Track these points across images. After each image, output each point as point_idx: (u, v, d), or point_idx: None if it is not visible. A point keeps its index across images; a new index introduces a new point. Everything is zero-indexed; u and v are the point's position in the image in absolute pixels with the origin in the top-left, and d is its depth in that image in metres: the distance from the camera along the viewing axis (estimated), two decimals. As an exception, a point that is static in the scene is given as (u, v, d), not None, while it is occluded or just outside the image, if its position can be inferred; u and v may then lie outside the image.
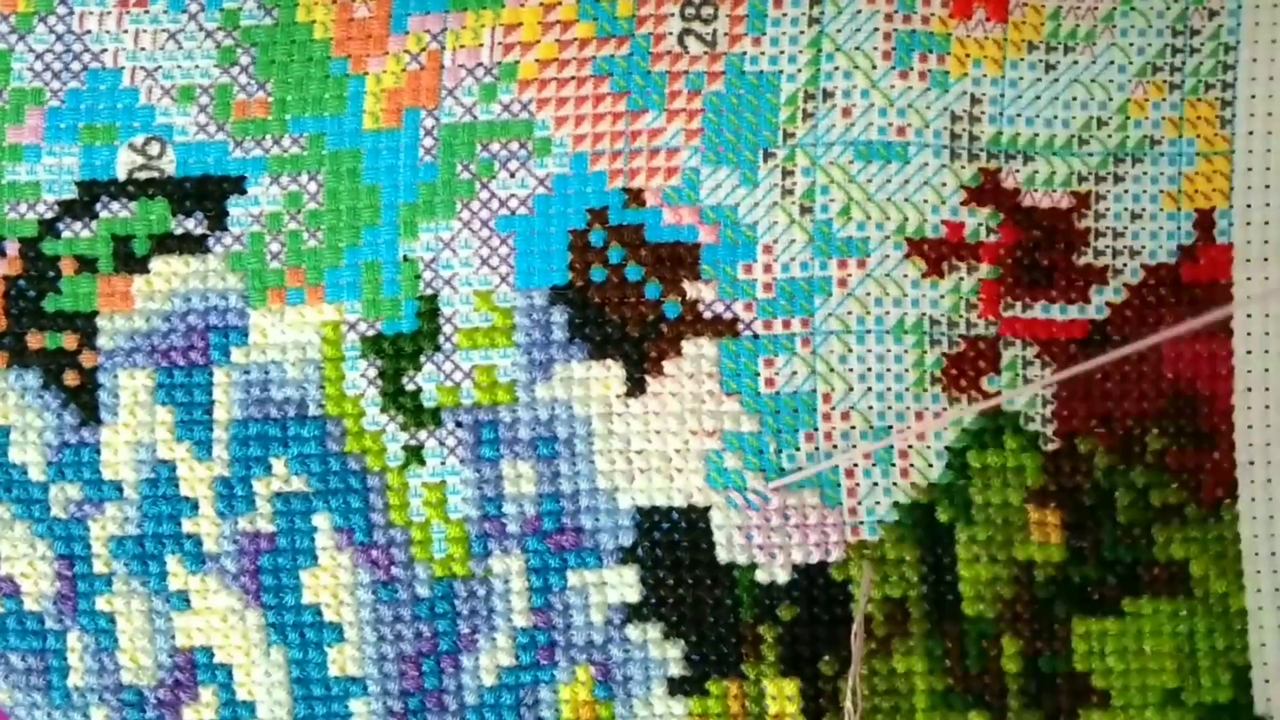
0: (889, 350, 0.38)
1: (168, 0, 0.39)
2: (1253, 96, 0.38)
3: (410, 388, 0.39)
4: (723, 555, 0.39)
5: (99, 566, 0.39)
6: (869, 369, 0.38)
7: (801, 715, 0.39)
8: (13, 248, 0.39)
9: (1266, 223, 0.38)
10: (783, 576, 0.39)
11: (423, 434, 0.39)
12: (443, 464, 0.39)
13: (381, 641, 0.39)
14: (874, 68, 0.38)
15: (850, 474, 0.38)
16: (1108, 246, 0.38)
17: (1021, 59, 0.38)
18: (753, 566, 0.39)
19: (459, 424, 0.39)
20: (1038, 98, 0.38)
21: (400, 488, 0.39)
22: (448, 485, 0.39)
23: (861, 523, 0.39)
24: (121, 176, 0.39)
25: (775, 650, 0.39)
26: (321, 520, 0.39)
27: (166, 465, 0.39)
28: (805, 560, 0.39)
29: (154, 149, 0.39)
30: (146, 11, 0.39)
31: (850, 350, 0.38)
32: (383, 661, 0.39)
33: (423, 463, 0.39)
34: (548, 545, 0.39)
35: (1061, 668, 0.38)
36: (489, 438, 0.39)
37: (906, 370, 0.38)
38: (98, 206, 0.39)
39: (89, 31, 0.39)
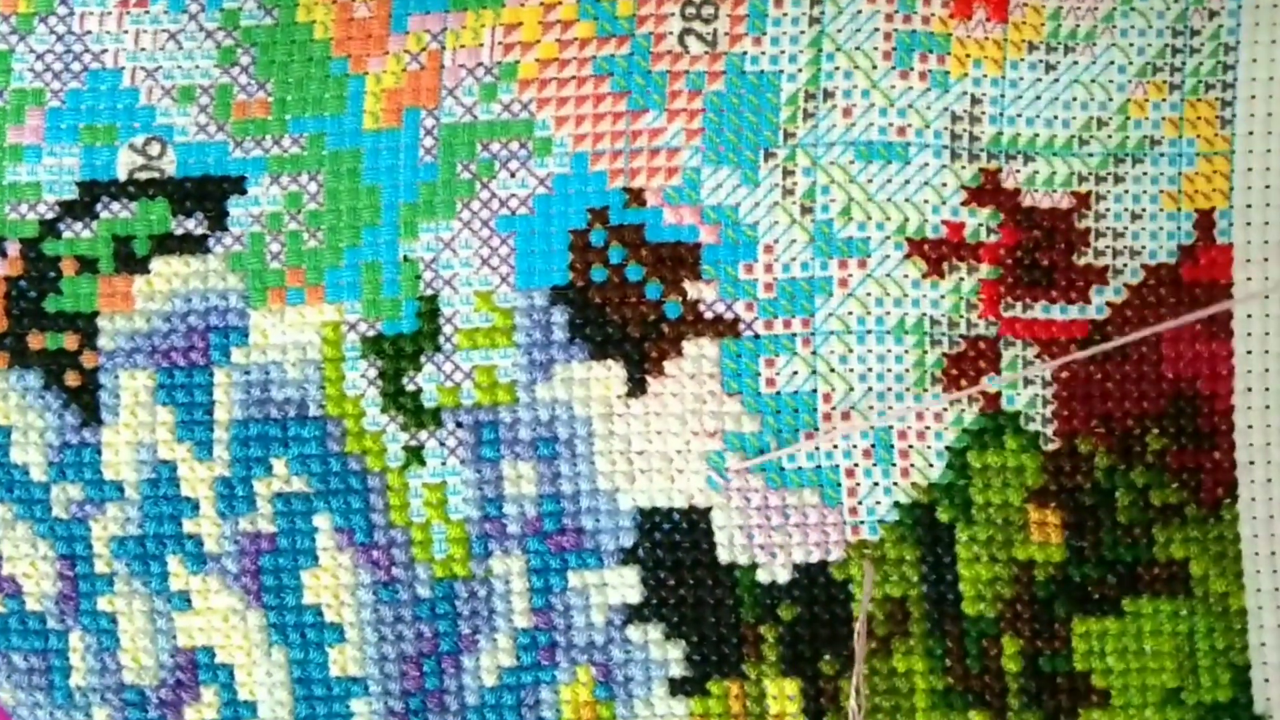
0: (889, 350, 0.38)
1: (168, 1, 0.39)
2: (1253, 97, 0.38)
3: (410, 388, 0.39)
4: (724, 555, 0.39)
5: (100, 567, 0.39)
6: (869, 369, 0.38)
7: (802, 715, 0.39)
8: (14, 248, 0.39)
9: (1266, 223, 0.38)
10: (783, 576, 0.39)
11: (423, 434, 0.39)
12: (443, 464, 0.39)
13: (382, 642, 0.39)
14: (874, 68, 0.38)
15: (851, 474, 0.38)
16: (1108, 247, 0.38)
17: (1022, 59, 0.38)
18: (754, 566, 0.39)
19: (459, 424, 0.39)
20: (1038, 98, 0.38)
21: (401, 488, 0.39)
22: (448, 486, 0.39)
23: (862, 522, 0.39)
24: (122, 177, 0.39)
25: (776, 650, 0.39)
26: (322, 521, 0.39)
27: (167, 465, 0.39)
28: (806, 560, 0.39)
29: (154, 149, 0.39)
30: (147, 12, 0.39)
31: (851, 350, 0.38)
32: (384, 662, 0.39)
33: (423, 463, 0.39)
34: (548, 546, 0.39)
35: (1062, 667, 0.38)
36: (489, 438, 0.39)
37: (907, 370, 0.38)
38: (98, 207, 0.39)
39: (89, 32, 0.39)
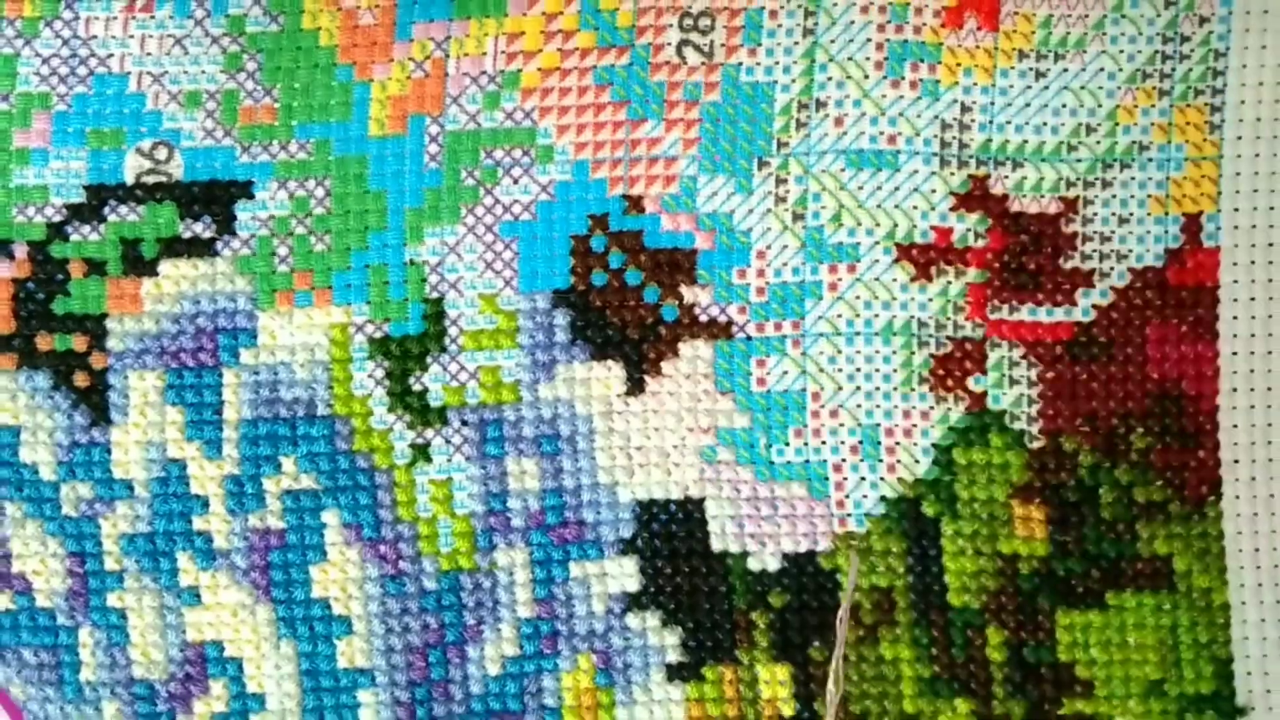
0: (877, 351, 0.39)
1: (174, 6, 0.39)
2: (1242, 102, 0.39)
3: (417, 388, 0.39)
4: (716, 544, 0.40)
5: (110, 564, 0.39)
6: (858, 369, 0.39)
7: (793, 699, 0.40)
8: (21, 251, 0.39)
9: (1254, 226, 0.39)
10: (773, 564, 0.40)
11: (429, 432, 0.39)
12: (449, 461, 0.39)
13: (389, 633, 0.40)
14: (866, 77, 0.39)
15: (838, 468, 0.39)
16: (1095, 250, 0.39)
17: (1012, 67, 0.39)
18: (744, 555, 0.40)
19: (464, 422, 0.39)
20: (1027, 105, 0.39)
21: (407, 484, 0.39)
22: (454, 482, 0.39)
23: (849, 515, 0.40)
24: (129, 180, 0.39)
25: (767, 636, 0.40)
26: (330, 517, 0.39)
27: (177, 464, 0.39)
28: (795, 549, 0.40)
29: (161, 153, 0.39)
30: (152, 17, 0.39)
31: (840, 351, 0.39)
32: (390, 653, 0.40)
33: (429, 460, 0.39)
34: (550, 538, 0.40)
35: (1046, 658, 0.39)
36: (494, 435, 0.39)
37: (895, 370, 0.39)
38: (106, 210, 0.39)
39: (95, 36, 0.39)
